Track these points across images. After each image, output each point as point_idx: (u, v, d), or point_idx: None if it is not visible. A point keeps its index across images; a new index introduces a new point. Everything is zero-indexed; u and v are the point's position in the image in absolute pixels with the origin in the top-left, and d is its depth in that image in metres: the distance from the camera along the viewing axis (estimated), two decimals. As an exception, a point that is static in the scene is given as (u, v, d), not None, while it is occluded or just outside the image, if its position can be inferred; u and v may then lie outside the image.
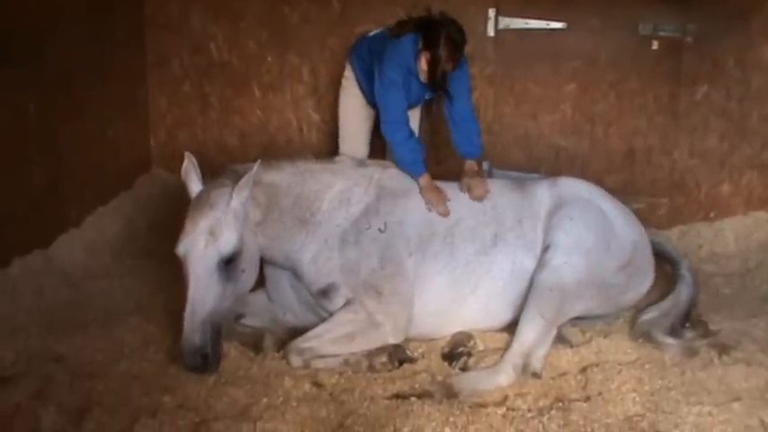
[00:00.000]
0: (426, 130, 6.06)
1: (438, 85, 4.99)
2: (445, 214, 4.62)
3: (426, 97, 5.38)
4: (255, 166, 4.04)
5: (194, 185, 4.18)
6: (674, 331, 4.56)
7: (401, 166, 4.87)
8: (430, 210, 4.62)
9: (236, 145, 7.01)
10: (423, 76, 5.01)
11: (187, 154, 4.22)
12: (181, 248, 3.95)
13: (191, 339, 3.82)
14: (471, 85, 5.33)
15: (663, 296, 4.81)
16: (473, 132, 5.20)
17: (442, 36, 4.84)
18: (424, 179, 4.74)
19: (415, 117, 5.63)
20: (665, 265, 5.02)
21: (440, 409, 3.73)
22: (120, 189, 6.38)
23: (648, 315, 4.67)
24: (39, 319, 4.61)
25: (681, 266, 4.89)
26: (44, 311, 4.73)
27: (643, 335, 4.56)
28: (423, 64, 4.93)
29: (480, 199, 4.71)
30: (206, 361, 3.86)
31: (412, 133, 5.01)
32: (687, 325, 4.68)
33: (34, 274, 4.97)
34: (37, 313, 4.68)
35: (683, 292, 4.76)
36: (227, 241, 3.96)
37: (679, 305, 4.71)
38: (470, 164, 5.04)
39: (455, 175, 4.88)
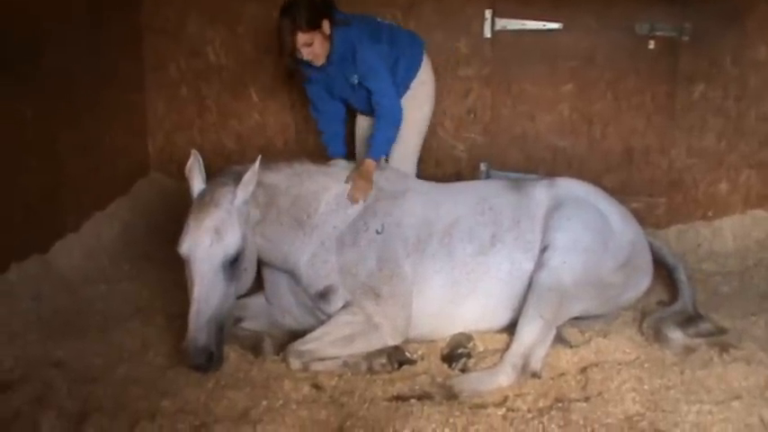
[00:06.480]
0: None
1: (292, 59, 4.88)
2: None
3: (352, 80, 5.06)
4: (257, 163, 4.04)
5: (197, 184, 4.15)
6: (687, 323, 4.60)
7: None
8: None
9: (234, 148, 6.99)
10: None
11: (193, 152, 4.19)
12: (184, 247, 3.93)
13: (196, 338, 3.83)
14: (380, 71, 5.01)
15: (662, 294, 4.82)
16: (377, 127, 4.96)
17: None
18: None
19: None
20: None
21: (440, 410, 3.72)
22: (118, 194, 6.36)
23: (659, 313, 4.72)
24: (37, 325, 4.61)
25: (678, 272, 4.91)
26: (42, 317, 4.72)
27: (652, 329, 4.58)
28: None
29: (352, 201, 4.50)
30: (211, 359, 3.87)
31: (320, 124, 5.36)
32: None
33: (32, 280, 4.96)
34: (35, 319, 4.68)
35: (686, 296, 4.81)
36: (233, 240, 3.96)
37: (686, 307, 4.75)
38: (361, 161, 4.82)
39: (451, 177, 4.87)
